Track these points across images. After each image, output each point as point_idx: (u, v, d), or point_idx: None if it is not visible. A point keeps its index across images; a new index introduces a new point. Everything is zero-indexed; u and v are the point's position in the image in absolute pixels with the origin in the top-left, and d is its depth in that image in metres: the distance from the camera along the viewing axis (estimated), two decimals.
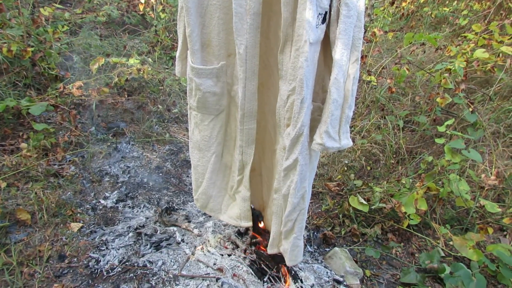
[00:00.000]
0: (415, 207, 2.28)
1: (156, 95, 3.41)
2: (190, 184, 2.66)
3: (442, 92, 2.99)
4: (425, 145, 2.98)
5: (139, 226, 2.21)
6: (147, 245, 2.05)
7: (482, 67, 3.43)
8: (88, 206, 2.31)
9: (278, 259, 1.85)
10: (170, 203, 2.45)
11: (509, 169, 2.86)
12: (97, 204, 2.34)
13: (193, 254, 2.00)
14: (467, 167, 2.67)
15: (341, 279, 1.87)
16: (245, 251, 1.96)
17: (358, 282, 1.86)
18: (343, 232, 2.29)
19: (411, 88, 3.54)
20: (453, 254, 2.20)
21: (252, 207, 1.96)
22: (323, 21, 1.24)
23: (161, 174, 2.71)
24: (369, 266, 2.09)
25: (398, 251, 2.23)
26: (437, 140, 2.61)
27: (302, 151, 1.38)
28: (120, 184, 2.54)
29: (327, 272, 1.93)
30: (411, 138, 2.99)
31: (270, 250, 1.73)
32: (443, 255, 2.15)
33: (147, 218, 2.29)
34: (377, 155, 2.83)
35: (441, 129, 2.62)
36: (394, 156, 2.82)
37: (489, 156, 2.92)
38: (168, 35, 4.48)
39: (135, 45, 4.06)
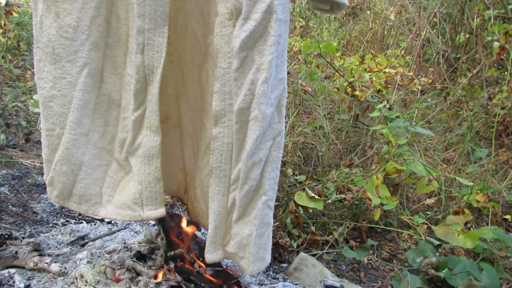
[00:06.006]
0: (378, 196, 1.72)
1: None
2: (43, 210, 1.65)
3: (359, 87, 2.71)
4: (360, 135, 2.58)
5: None
6: None
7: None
8: None
9: (223, 275, 1.03)
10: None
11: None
12: None
13: None
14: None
15: None
16: (155, 277, 1.07)
17: None
18: (295, 245, 1.55)
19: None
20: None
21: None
22: None
23: None
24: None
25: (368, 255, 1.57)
26: (375, 128, 2.23)
27: None
28: None
29: None
30: (339, 133, 2.53)
31: (211, 255, 0.91)
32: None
33: None
34: (313, 145, 2.27)
35: (375, 114, 2.24)
36: (331, 146, 2.28)
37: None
38: None
39: None
